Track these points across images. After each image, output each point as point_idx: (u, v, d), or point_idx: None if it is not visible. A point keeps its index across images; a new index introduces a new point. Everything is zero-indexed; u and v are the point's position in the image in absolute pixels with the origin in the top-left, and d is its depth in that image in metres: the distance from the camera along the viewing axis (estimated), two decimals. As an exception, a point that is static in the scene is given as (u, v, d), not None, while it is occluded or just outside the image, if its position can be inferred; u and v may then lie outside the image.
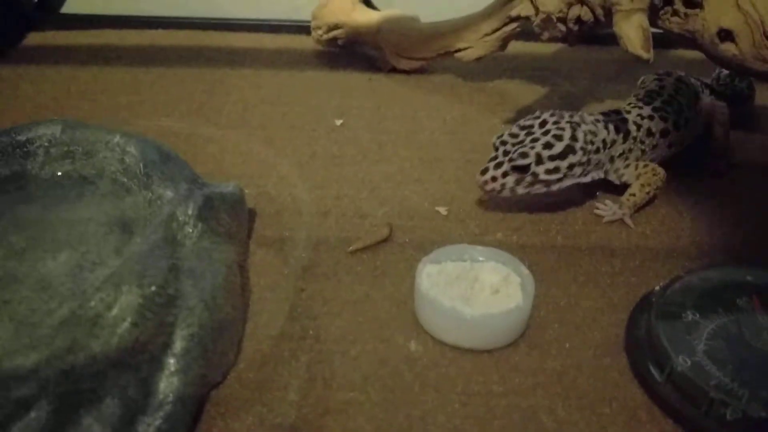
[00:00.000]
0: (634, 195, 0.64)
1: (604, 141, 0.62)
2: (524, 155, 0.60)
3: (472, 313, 0.50)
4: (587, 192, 0.66)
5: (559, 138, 0.60)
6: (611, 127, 0.64)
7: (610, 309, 0.56)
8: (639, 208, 0.65)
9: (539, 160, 0.60)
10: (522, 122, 0.63)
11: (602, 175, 0.65)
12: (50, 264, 0.52)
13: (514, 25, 0.74)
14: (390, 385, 0.48)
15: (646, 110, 0.67)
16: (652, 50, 0.57)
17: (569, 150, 0.60)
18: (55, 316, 0.44)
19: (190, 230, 0.51)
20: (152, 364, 0.43)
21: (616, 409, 0.48)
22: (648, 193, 0.64)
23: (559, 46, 0.95)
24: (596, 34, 0.67)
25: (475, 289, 0.53)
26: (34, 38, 0.95)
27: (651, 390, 0.49)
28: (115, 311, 0.43)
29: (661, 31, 0.71)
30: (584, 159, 0.61)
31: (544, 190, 0.61)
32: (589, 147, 0.61)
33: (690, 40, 0.71)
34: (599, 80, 0.89)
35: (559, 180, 0.61)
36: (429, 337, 0.52)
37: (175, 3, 1.01)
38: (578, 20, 0.60)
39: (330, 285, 0.57)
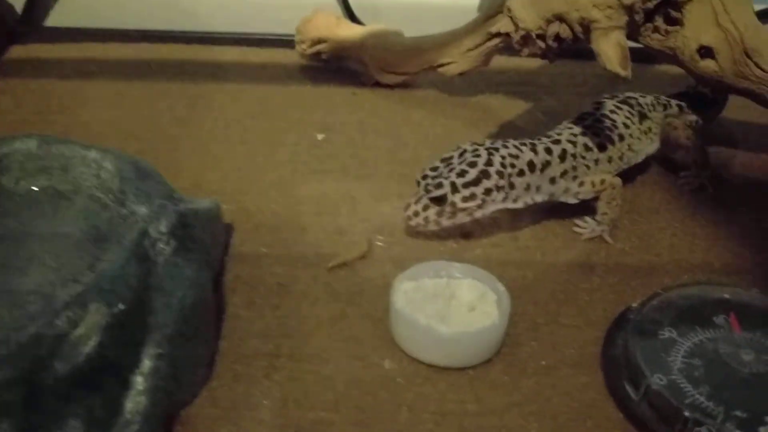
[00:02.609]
0: (606, 213, 0.64)
1: (530, 163, 0.61)
2: (439, 185, 0.60)
3: (447, 331, 0.50)
4: (568, 209, 0.66)
5: (473, 165, 0.60)
6: (540, 148, 0.63)
7: (587, 326, 0.55)
8: (615, 222, 0.65)
9: (454, 189, 0.59)
10: (444, 155, 0.63)
11: (544, 198, 0.64)
12: (23, 280, 0.52)
13: (497, 40, 0.74)
14: (363, 405, 0.48)
15: (577, 129, 0.67)
16: (630, 67, 0.57)
17: (483, 175, 0.60)
18: (22, 335, 0.43)
19: (163, 247, 0.50)
20: (119, 384, 0.43)
21: (591, 428, 0.48)
22: (616, 205, 0.64)
23: (542, 60, 0.95)
24: (577, 49, 0.67)
25: (451, 307, 0.53)
26: (16, 51, 0.94)
27: (627, 409, 0.49)
28: (81, 330, 0.42)
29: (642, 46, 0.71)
30: (502, 183, 0.60)
31: (468, 219, 0.61)
32: (508, 170, 0.60)
33: (671, 57, 0.71)
34: (582, 95, 0.89)
35: (480, 206, 0.60)
36: (404, 355, 0.52)
37: (159, 16, 1.00)
38: (557, 37, 0.60)
39: (306, 302, 0.56)
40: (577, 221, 0.65)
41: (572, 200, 0.65)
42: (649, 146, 0.71)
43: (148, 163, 0.59)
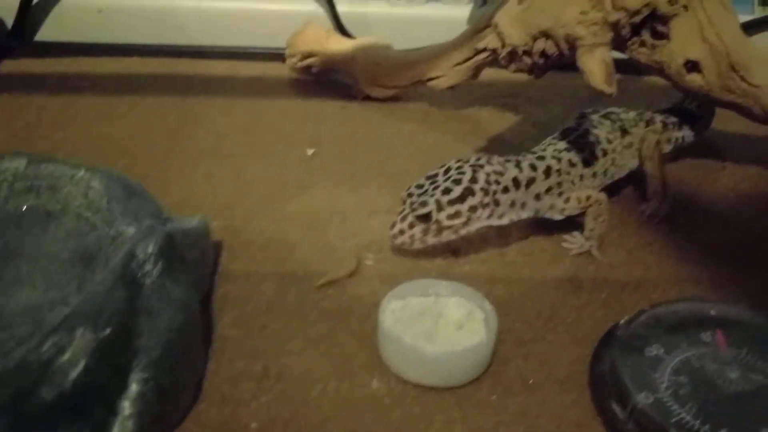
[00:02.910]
0: (593, 229, 0.64)
1: (515, 180, 0.62)
2: (424, 204, 0.60)
3: (434, 350, 0.50)
4: (556, 224, 0.66)
5: (457, 182, 0.60)
6: (525, 165, 0.63)
7: (575, 343, 0.55)
8: (603, 238, 0.65)
9: (439, 207, 0.60)
10: (429, 173, 0.63)
11: (530, 215, 0.64)
12: (11, 302, 0.52)
13: (485, 54, 0.74)
14: (350, 426, 0.48)
15: (562, 144, 0.67)
16: (614, 84, 0.57)
17: (468, 192, 0.60)
18: (8, 361, 0.43)
19: (150, 268, 0.50)
20: (106, 409, 0.43)
21: (578, 447, 0.48)
22: (603, 221, 0.64)
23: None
24: (565, 63, 0.67)
25: (439, 325, 0.53)
26: (6, 66, 0.94)
27: (614, 427, 0.49)
28: (67, 355, 0.42)
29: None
30: (487, 200, 0.60)
31: (454, 236, 0.61)
32: (493, 187, 0.61)
33: (658, 71, 0.71)
34: (572, 107, 0.88)
35: (465, 224, 0.60)
36: (392, 374, 0.52)
37: (149, 31, 1.00)
38: (543, 53, 0.61)
39: (294, 321, 0.56)
40: (566, 236, 0.66)
41: (558, 216, 0.65)
42: (632, 161, 0.71)
43: (136, 181, 0.59)
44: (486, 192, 0.60)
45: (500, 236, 0.65)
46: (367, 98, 0.90)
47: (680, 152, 0.78)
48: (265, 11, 1.01)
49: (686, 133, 0.76)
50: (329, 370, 0.52)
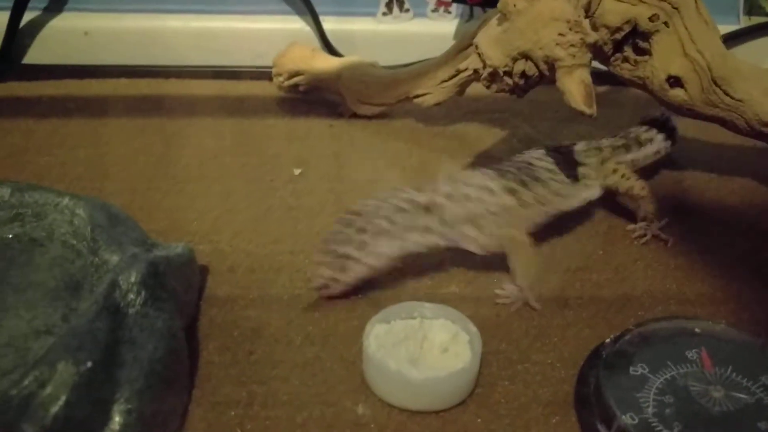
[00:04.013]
0: (523, 276, 0.61)
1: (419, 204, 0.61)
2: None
3: (418, 376, 0.50)
4: (541, 241, 0.66)
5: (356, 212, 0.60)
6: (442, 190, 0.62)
7: (561, 363, 0.55)
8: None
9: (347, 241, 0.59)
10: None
11: (445, 243, 0.61)
12: (-5, 332, 0.52)
13: (468, 72, 0.75)
14: (335, 453, 0.48)
15: (490, 171, 0.65)
16: (594, 105, 0.58)
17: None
18: (-10, 394, 0.43)
19: (133, 297, 0.50)
20: (88, 443, 0.43)
21: (563, 470, 0.48)
22: (531, 268, 0.61)
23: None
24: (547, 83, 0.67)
25: (424, 349, 0.53)
26: (-5, 89, 0.95)
27: (599, 449, 0.49)
28: (48, 390, 0.42)
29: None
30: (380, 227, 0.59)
31: (366, 270, 0.60)
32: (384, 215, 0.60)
33: (641, 86, 0.72)
34: (559, 122, 0.89)
35: (369, 253, 0.59)
36: (377, 399, 0.52)
37: (136, 51, 1.01)
38: (523, 74, 0.61)
39: (280, 347, 0.56)
40: (497, 291, 0.62)
41: (479, 251, 0.62)
42: (584, 191, 0.68)
43: (120, 208, 0.59)
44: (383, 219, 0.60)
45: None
46: (354, 116, 0.90)
47: (658, 164, 0.78)
48: (251, 30, 1.02)
49: (650, 150, 0.75)
50: (314, 396, 0.52)
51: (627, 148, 0.73)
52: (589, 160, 0.69)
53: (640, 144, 0.74)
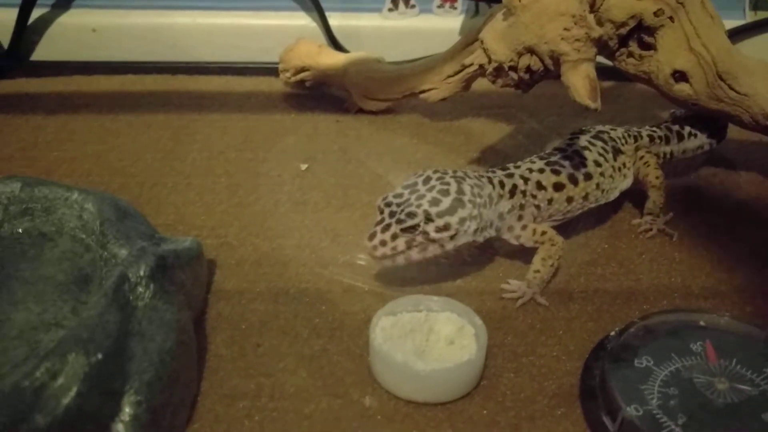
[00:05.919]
0: (538, 271, 0.61)
1: (489, 196, 0.60)
2: (412, 215, 0.56)
3: (424, 368, 0.50)
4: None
5: (445, 193, 0.58)
6: (496, 181, 0.61)
7: (566, 356, 0.56)
8: (546, 283, 0.62)
9: (428, 218, 0.56)
10: (405, 182, 0.60)
11: (494, 233, 0.62)
12: (6, 325, 0.52)
13: (474, 68, 0.75)
14: (342, 444, 0.48)
15: (539, 164, 0.64)
16: (599, 99, 0.58)
17: (458, 204, 0.57)
18: (3, 384, 0.44)
19: (142, 291, 0.51)
20: (99, 432, 0.43)
21: (569, 461, 0.48)
22: (552, 265, 0.61)
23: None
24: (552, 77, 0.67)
25: (430, 341, 0.54)
26: (2, 86, 0.95)
27: (604, 441, 0.49)
28: (60, 381, 0.43)
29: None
30: (475, 213, 0.58)
31: (440, 251, 0.58)
32: (478, 200, 0.58)
33: (646, 80, 0.72)
34: (565, 117, 0.90)
35: (452, 237, 0.57)
36: (384, 391, 0.52)
37: (144, 48, 1.01)
38: (528, 69, 0.61)
39: (287, 339, 0.57)
40: (503, 285, 0.62)
41: (514, 241, 0.63)
42: (622, 183, 0.69)
43: (128, 203, 0.60)
44: (474, 204, 0.58)
45: (490, 248, 0.66)
46: (361, 111, 0.90)
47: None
48: (258, 26, 1.02)
49: (690, 144, 0.76)
50: (321, 388, 0.52)
51: (666, 139, 0.74)
52: (626, 147, 0.70)
53: (682, 137, 0.75)
